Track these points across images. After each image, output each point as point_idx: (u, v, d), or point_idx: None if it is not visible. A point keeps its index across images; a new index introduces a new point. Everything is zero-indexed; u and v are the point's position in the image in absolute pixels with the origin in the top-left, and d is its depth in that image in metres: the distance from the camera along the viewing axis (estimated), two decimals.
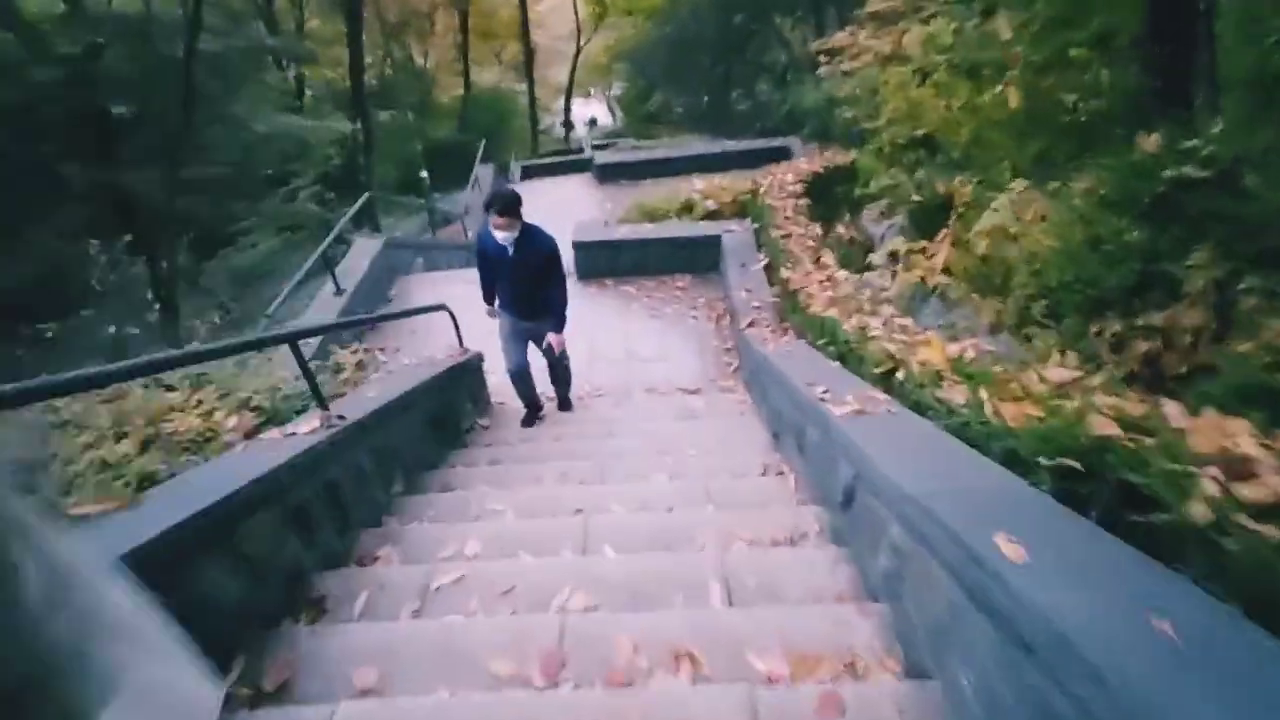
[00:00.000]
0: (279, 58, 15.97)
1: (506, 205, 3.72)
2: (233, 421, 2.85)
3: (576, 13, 26.16)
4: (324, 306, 6.04)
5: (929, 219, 5.13)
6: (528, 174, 17.31)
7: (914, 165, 6.01)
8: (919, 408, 2.72)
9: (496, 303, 4.43)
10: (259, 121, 11.44)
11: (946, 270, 4.03)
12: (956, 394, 2.61)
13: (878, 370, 3.26)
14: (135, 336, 9.96)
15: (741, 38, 18.55)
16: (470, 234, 10.87)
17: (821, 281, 4.80)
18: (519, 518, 2.95)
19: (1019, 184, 3.71)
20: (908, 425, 2.49)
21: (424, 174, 11.71)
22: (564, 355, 4.44)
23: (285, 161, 13.60)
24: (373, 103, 24.46)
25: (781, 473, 3.36)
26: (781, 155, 12.96)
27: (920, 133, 5.98)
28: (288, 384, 4.03)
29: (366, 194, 7.11)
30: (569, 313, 4.28)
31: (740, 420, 4.35)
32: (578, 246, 6.83)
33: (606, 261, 6.88)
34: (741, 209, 7.19)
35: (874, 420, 2.54)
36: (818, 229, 5.74)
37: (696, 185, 7.65)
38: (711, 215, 7.17)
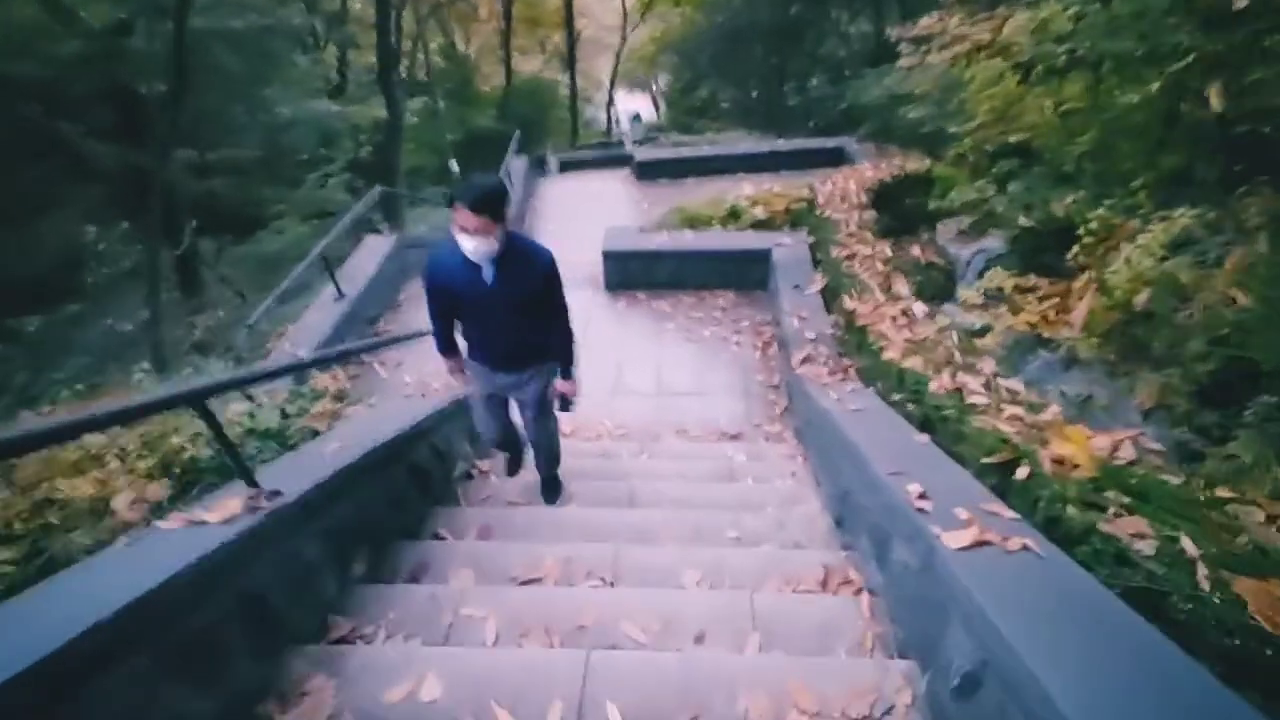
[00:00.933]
0: (317, 39, 15.54)
1: (484, 198, 2.30)
2: (124, 500, 2.17)
3: (624, 1, 25.34)
4: (322, 313, 5.42)
5: (1038, 247, 4.23)
6: (565, 168, 16.62)
7: (1006, 177, 5.10)
8: (1060, 533, 1.92)
9: (464, 350, 3.01)
10: (282, 104, 10.94)
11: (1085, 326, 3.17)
12: (1131, 530, 1.79)
13: (987, 460, 2.44)
14: (127, 333, 9.52)
15: (797, 29, 17.51)
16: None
17: (895, 318, 3.96)
18: (502, 637, 2.24)
19: (1179, 212, 2.84)
20: (1061, 581, 1.68)
21: (452, 164, 11.06)
22: (559, 416, 3.32)
23: (316, 147, 13.17)
24: (413, 90, 24.11)
25: (850, 582, 2.57)
26: (836, 156, 11.99)
27: (1015, 138, 5.06)
28: (252, 415, 3.38)
29: (377, 186, 6.45)
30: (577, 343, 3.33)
31: (792, 488, 3.56)
32: (609, 256, 6.09)
33: (640, 272, 6.12)
34: (795, 219, 6.36)
35: (1005, 564, 1.74)
36: (887, 248, 4.88)
37: (745, 190, 6.83)
38: (760, 225, 6.36)
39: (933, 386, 3.02)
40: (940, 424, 2.88)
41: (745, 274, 6.04)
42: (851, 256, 4.81)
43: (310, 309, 5.53)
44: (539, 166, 16.83)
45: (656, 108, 40.67)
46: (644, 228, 6.62)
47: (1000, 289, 3.91)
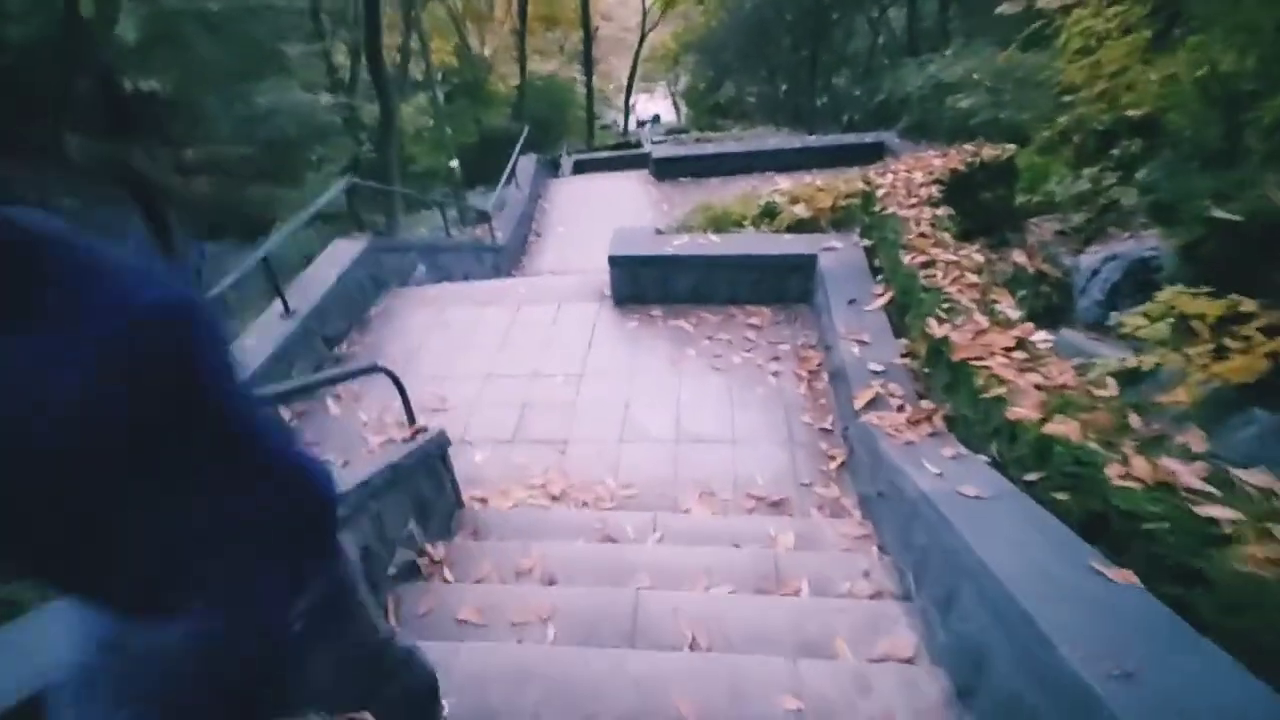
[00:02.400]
0: (320, 34, 14.70)
1: None
2: None
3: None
4: (263, 334, 4.40)
5: (1236, 256, 3.03)
6: (580, 168, 15.63)
7: (1131, 160, 3.93)
8: None
9: None
10: (262, 94, 10.05)
11: None
12: None
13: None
14: None
15: (827, 18, 16.34)
16: (499, 235, 9.20)
17: (1008, 351, 2.82)
18: None
19: None
20: None
21: (453, 163, 10.10)
22: None
23: (309, 142, 12.34)
24: (423, 89, 23.31)
25: None
26: (875, 152, 10.81)
27: (1136, 112, 3.88)
28: None
29: (346, 178, 5.43)
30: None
31: (870, 607, 2.43)
32: (616, 262, 5.00)
33: (655, 284, 5.03)
34: (843, 219, 5.22)
35: None
36: (976, 254, 3.73)
37: (780, 185, 5.72)
38: (801, 226, 5.23)
39: (1112, 473, 1.88)
40: (1137, 541, 1.75)
41: (784, 285, 4.92)
42: (930, 264, 3.66)
43: (250, 329, 4.51)
44: (552, 167, 15.86)
45: (677, 110, 39.70)
46: (661, 229, 5.53)
47: (1181, 315, 2.72)
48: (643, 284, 5.05)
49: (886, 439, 2.88)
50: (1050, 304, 3.98)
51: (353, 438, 4.10)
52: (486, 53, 26.24)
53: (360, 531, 2.46)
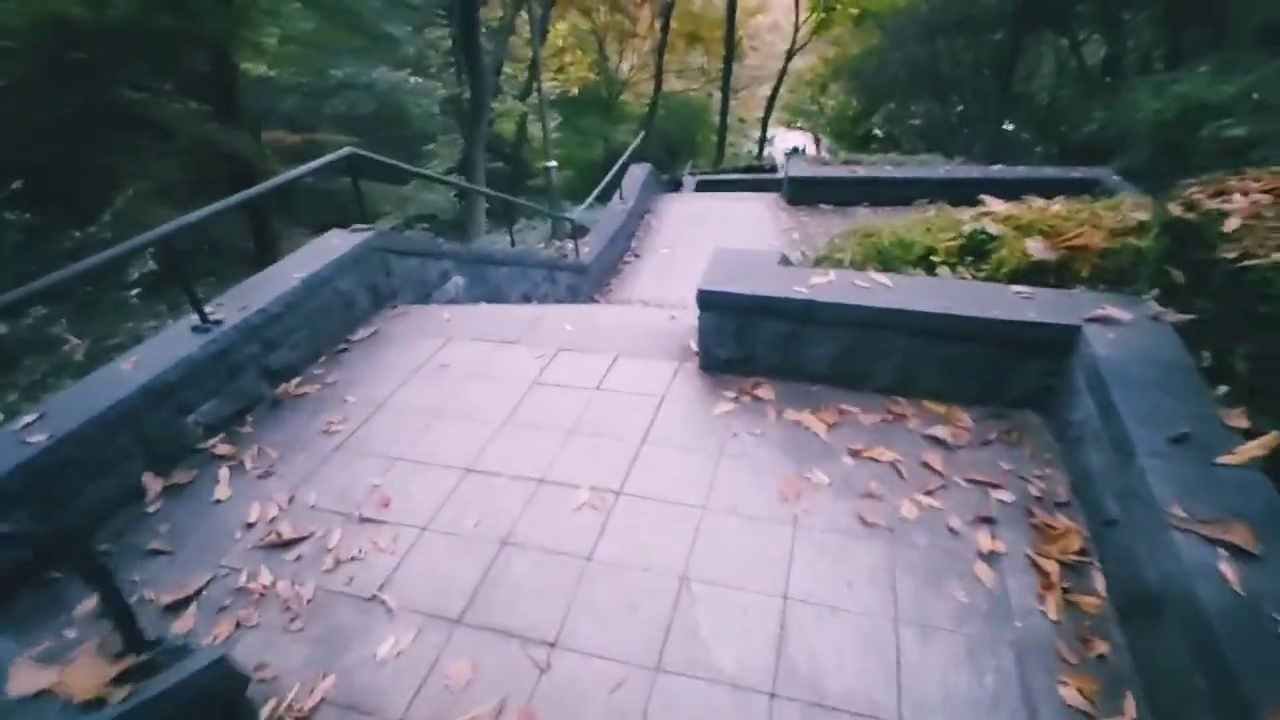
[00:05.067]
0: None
1: None
2: None
3: (797, 17, 22.45)
4: (149, 358, 2.85)
5: None
6: (702, 187, 13.90)
7: None
8: None
9: None
10: (341, 67, 9.09)
11: None
12: None
13: None
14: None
15: (1017, 37, 13.65)
16: (585, 251, 7.53)
17: None
18: None
19: None
20: None
21: (550, 164, 8.61)
22: None
23: (415, 143, 11.50)
24: (562, 107, 22.71)
25: None
26: (1082, 192, 8.20)
27: None
28: None
29: (345, 149, 3.86)
30: None
31: None
32: (711, 301, 3.05)
33: (774, 344, 3.02)
34: (1117, 270, 2.99)
35: None
36: None
37: (995, 208, 3.55)
38: (1036, 273, 3.05)
39: None
40: None
41: (1005, 374, 2.76)
42: None
43: (146, 346, 2.97)
44: (671, 185, 14.23)
45: (817, 144, 37.44)
46: (786, 257, 3.51)
47: None
48: (751, 342, 3.06)
49: None
50: None
51: (220, 538, 2.41)
52: (625, 68, 25.41)
53: None
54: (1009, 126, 14.36)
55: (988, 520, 2.31)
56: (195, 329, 3.01)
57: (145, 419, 2.68)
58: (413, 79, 10.67)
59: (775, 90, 24.78)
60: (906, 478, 2.52)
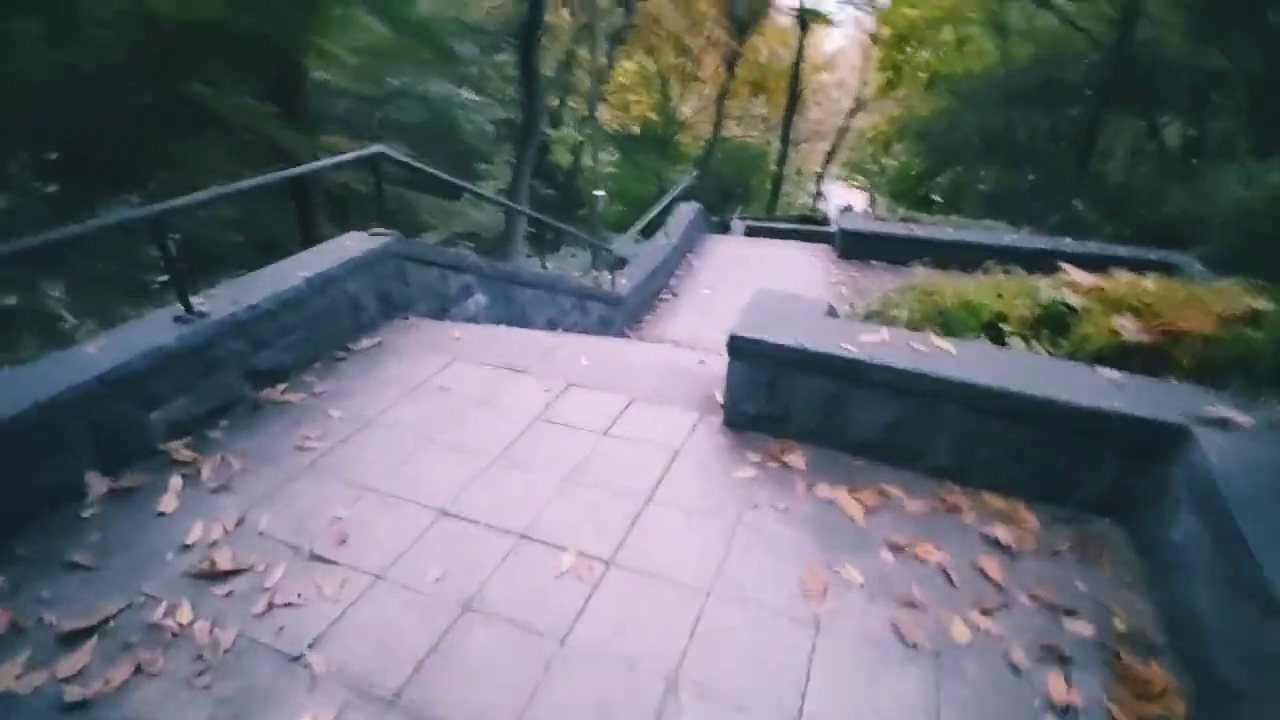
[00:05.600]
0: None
1: None
2: None
3: (863, 75, 22.40)
4: (121, 342, 2.60)
5: None
6: (751, 233, 13.63)
7: None
8: None
9: None
10: (396, 76, 9.13)
11: None
12: None
13: None
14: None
15: (1101, 110, 13.19)
16: (622, 283, 7.26)
17: None
18: None
19: None
20: None
21: (598, 193, 8.44)
22: None
23: (469, 159, 11.55)
24: (622, 143, 22.93)
25: None
26: (1162, 275, 7.63)
27: None
28: None
29: (376, 146, 3.66)
30: None
31: None
32: (742, 348, 2.67)
33: (812, 404, 2.63)
34: (1223, 360, 2.54)
35: None
36: None
37: (1078, 278, 3.12)
38: (1126, 356, 2.60)
39: None
40: None
41: (1083, 469, 2.32)
42: None
43: (118, 331, 2.73)
44: (720, 228, 14.02)
45: (872, 203, 37.11)
46: (833, 308, 3.12)
47: None
48: (785, 398, 2.67)
49: None
50: None
51: (150, 559, 2.10)
52: (685, 109, 25.62)
53: None
54: (1078, 203, 13.81)
55: (1060, 658, 1.85)
56: (177, 319, 2.77)
57: (101, 410, 2.42)
58: (466, 94, 10.76)
59: (835, 145, 24.64)
60: (958, 585, 2.08)
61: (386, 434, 2.78)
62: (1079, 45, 14.74)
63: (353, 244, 3.65)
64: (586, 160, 18.47)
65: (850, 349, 2.50)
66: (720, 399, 2.95)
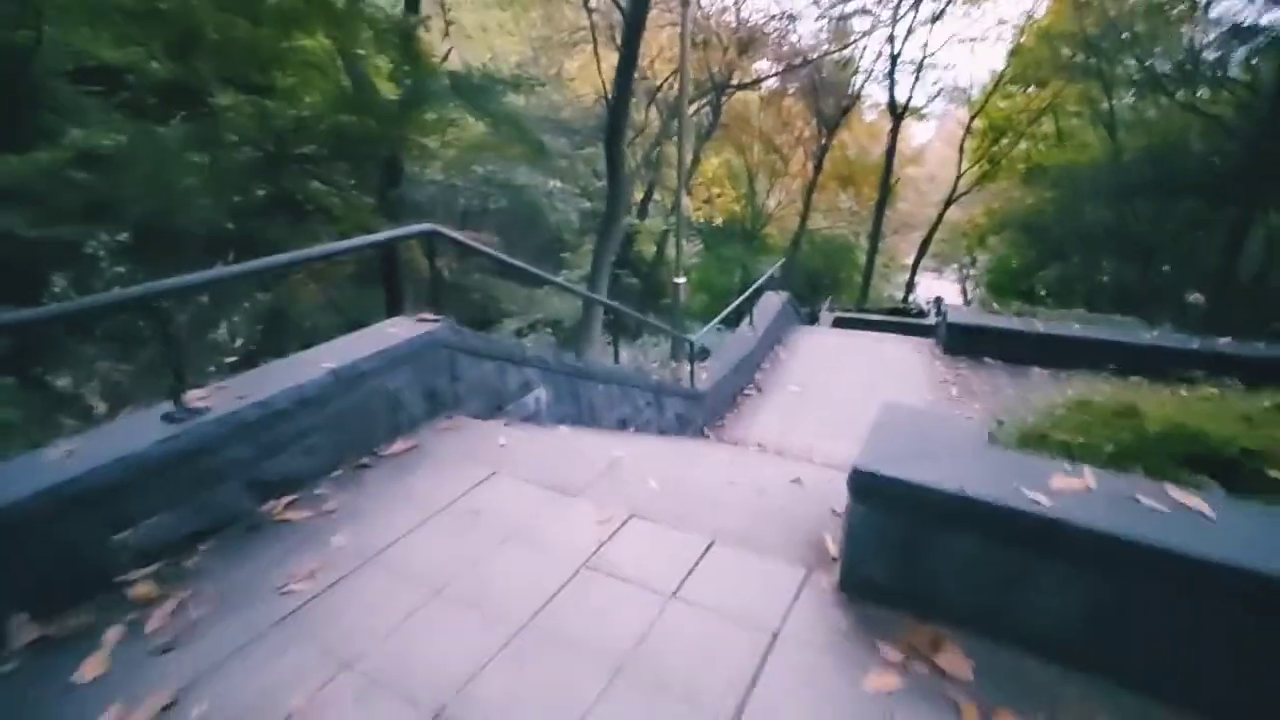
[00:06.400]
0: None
1: None
2: None
3: (960, 165, 21.73)
4: (85, 458, 2.17)
5: None
6: (840, 324, 12.85)
7: None
8: None
9: None
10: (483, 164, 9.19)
11: None
12: None
13: None
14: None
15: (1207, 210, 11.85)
16: (702, 377, 6.62)
17: None
18: None
19: None
20: None
21: (680, 279, 8.00)
22: None
23: (555, 247, 11.57)
24: (707, 234, 23.05)
25: None
26: None
27: None
28: None
29: (426, 226, 3.26)
30: None
31: None
32: (866, 488, 1.91)
33: (972, 576, 1.81)
34: None
35: None
36: None
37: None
38: None
39: None
40: None
41: None
42: None
43: (99, 431, 2.31)
44: (808, 319, 13.32)
45: (965, 295, 35.52)
46: (993, 434, 2.31)
47: None
48: (931, 565, 1.86)
49: None
50: None
51: None
52: (772, 203, 25.61)
53: None
54: (1197, 298, 12.35)
55: None
56: (166, 417, 2.32)
57: (46, 532, 1.94)
58: (553, 183, 10.87)
59: (928, 237, 23.75)
60: None
61: (390, 578, 2.16)
62: (1204, 134, 13.59)
63: (398, 330, 3.20)
64: (672, 251, 18.46)
65: (1041, 500, 1.70)
66: (833, 549, 2.17)
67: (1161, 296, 12.60)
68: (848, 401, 7.00)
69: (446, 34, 11.52)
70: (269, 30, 7.93)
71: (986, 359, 8.08)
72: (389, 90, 10.74)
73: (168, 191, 9.17)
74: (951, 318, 8.36)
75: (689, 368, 6.90)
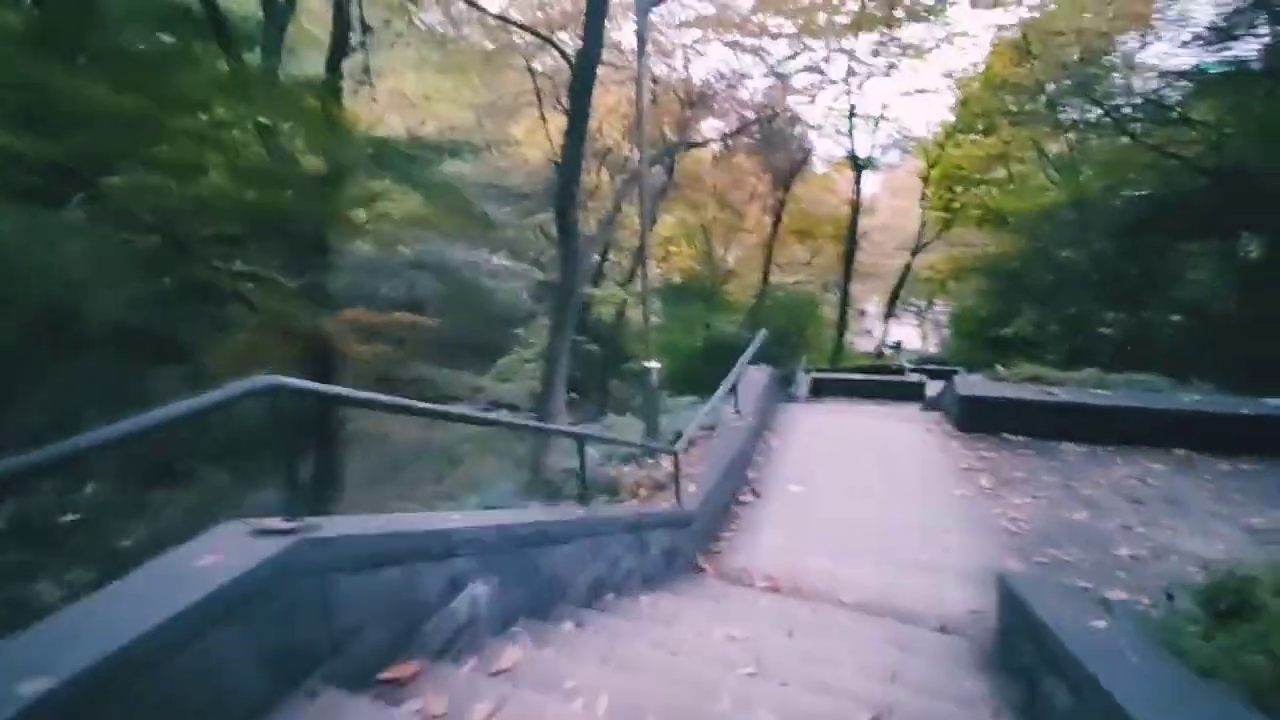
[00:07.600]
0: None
1: None
2: None
3: (921, 216, 21.60)
4: None
5: None
6: (820, 390, 11.88)
7: None
8: None
9: None
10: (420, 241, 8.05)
11: None
12: None
13: None
14: None
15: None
16: (690, 492, 5.39)
17: None
18: None
19: None
20: None
21: (652, 364, 6.87)
22: None
23: (502, 325, 10.42)
24: (665, 294, 22.23)
25: None
26: None
27: None
28: None
29: (267, 379, 2.03)
30: None
31: None
32: None
33: None
34: None
35: None
36: None
37: None
38: None
39: None
40: None
41: None
42: None
43: None
44: (784, 384, 12.28)
45: (923, 338, 35.47)
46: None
47: None
48: None
49: None
50: None
51: None
52: (730, 260, 25.08)
53: None
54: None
55: None
56: None
57: None
58: (496, 259, 9.81)
59: (897, 288, 23.47)
60: None
61: None
62: (1167, 173, 13.45)
63: (214, 561, 1.88)
64: (634, 315, 17.45)
65: None
66: None
67: (1153, 343, 12.02)
68: (861, 507, 5.86)
69: (374, 100, 10.56)
70: (148, 101, 6.75)
71: (1006, 435, 7.09)
72: (314, 164, 9.62)
73: (62, 283, 7.89)
74: (961, 390, 7.39)
75: (668, 448, 5.65)
